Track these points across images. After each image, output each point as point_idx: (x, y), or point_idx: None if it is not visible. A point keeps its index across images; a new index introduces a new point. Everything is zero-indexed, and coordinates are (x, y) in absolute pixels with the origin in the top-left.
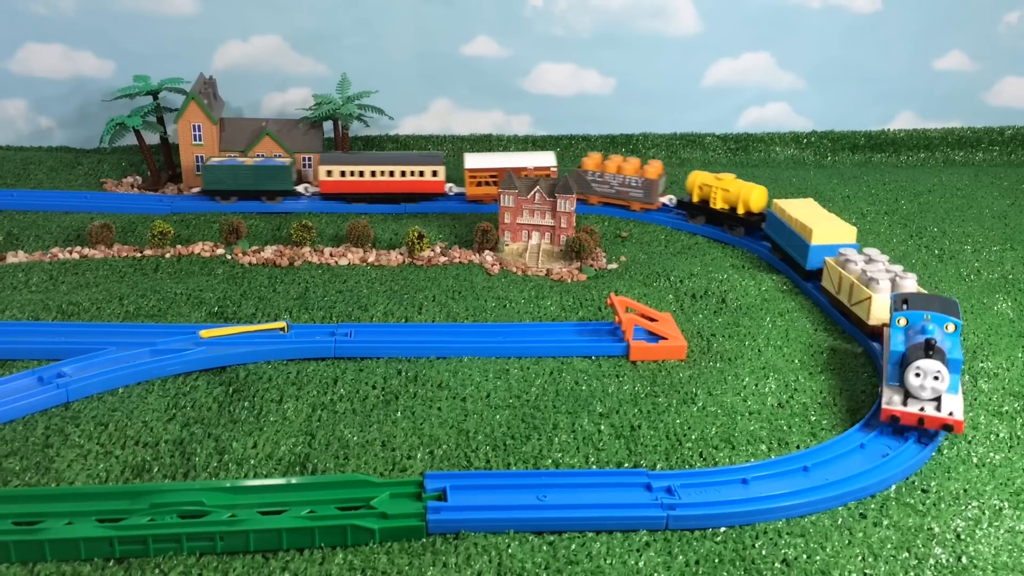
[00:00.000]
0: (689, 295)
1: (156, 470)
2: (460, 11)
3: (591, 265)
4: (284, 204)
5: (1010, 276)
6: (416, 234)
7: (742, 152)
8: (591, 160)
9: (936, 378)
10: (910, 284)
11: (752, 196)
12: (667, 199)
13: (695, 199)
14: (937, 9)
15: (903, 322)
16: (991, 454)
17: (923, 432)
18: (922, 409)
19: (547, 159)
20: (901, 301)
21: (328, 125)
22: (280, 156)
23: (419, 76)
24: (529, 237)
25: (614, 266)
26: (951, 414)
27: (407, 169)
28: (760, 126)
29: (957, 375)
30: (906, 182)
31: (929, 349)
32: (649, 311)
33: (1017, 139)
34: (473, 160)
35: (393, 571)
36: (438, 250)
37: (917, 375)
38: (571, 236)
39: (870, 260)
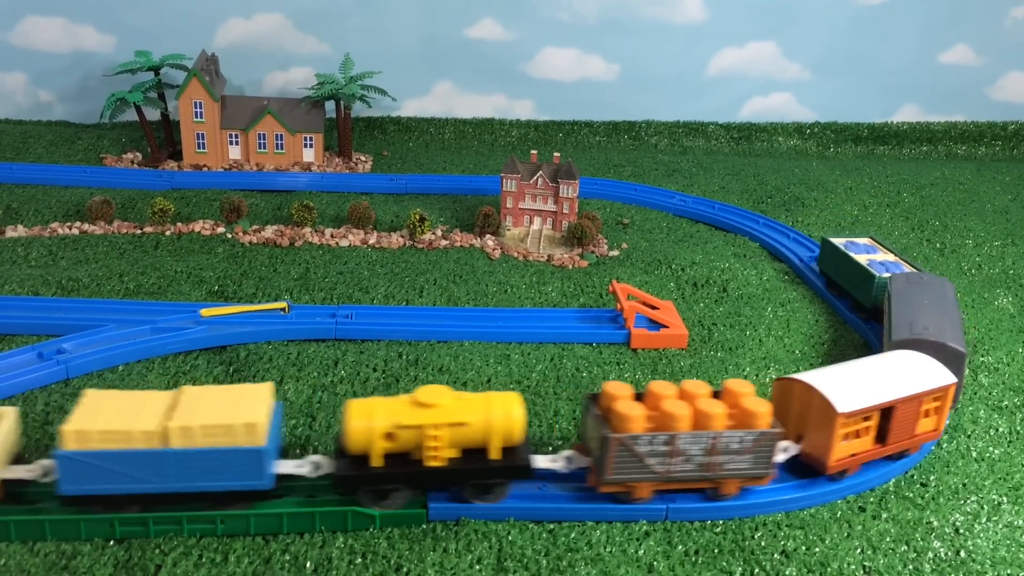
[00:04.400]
0: (690, 283)
1: None
2: None
3: (592, 251)
4: (285, 182)
5: (1011, 271)
6: (417, 217)
7: (745, 141)
8: None
9: None
10: None
11: None
12: None
13: None
14: (943, 2)
15: None
16: (990, 449)
17: None
18: None
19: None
20: None
21: (330, 105)
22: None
23: (422, 58)
24: (531, 222)
25: (616, 253)
26: None
27: None
28: (763, 116)
29: None
30: (908, 175)
31: None
32: (650, 299)
33: (1020, 134)
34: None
35: (393, 556)
36: (439, 233)
37: None
38: (573, 222)
39: None
